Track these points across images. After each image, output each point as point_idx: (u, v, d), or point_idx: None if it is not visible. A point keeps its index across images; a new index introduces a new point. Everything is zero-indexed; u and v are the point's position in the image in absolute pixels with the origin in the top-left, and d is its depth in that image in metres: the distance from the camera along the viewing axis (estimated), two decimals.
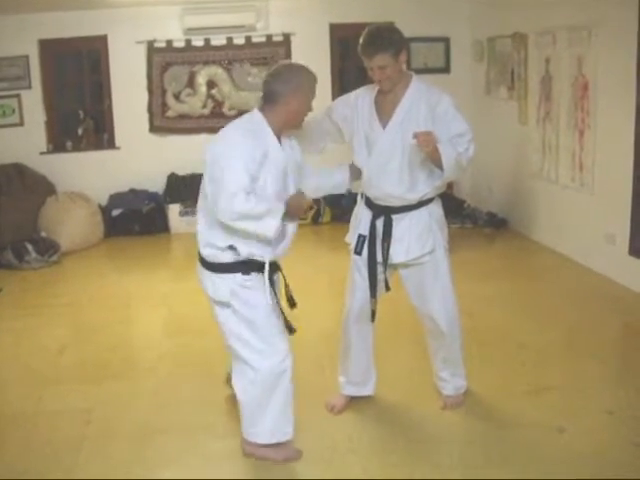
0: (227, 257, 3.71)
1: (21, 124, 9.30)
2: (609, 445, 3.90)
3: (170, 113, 9.58)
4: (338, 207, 9.29)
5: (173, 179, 9.51)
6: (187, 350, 5.47)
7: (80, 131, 9.58)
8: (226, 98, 9.61)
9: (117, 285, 7.32)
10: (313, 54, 9.64)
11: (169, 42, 9.38)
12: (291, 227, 3.90)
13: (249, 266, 3.75)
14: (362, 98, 4.16)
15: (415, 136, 3.71)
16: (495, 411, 4.37)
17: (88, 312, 6.48)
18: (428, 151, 3.73)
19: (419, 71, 9.88)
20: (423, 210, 4.10)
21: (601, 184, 6.82)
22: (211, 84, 9.57)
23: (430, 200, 4.12)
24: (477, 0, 9.42)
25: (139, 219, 9.26)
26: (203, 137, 9.56)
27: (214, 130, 10.22)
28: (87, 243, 8.72)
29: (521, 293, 6.51)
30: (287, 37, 9.59)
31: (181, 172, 9.52)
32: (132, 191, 9.47)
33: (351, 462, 3.87)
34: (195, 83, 9.56)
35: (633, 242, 6.31)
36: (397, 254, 4.14)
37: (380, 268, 4.24)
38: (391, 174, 4.02)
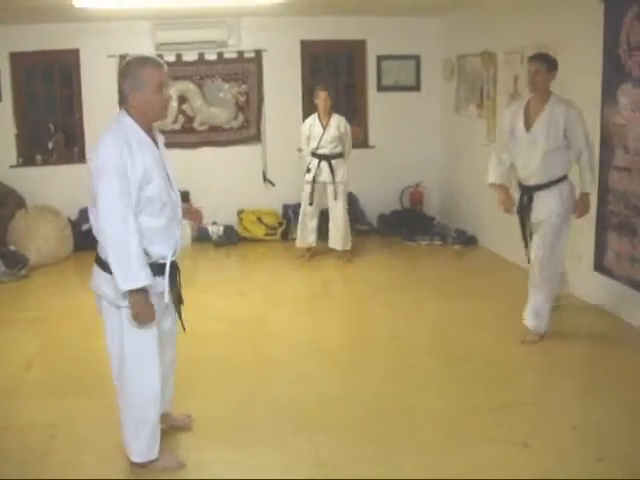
0: None
1: None
2: (572, 460, 3.95)
3: None
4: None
5: None
6: None
7: (50, 145, 9.54)
8: (197, 113, 9.62)
9: (86, 299, 7.16)
10: (284, 70, 9.72)
11: None
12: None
13: (154, 269, 3.63)
14: (514, 108, 5.85)
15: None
16: (461, 426, 4.40)
17: (56, 326, 6.43)
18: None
19: (389, 88, 10.09)
20: (557, 187, 5.57)
21: None
22: (182, 99, 9.58)
23: (561, 180, 5.58)
24: (447, 19, 9.53)
25: None
26: (174, 152, 9.54)
27: (185, 145, 10.29)
28: (56, 257, 8.67)
29: (489, 310, 6.57)
30: (259, 53, 9.64)
31: None
32: None
33: (318, 475, 3.89)
34: None
35: (598, 258, 6.41)
36: (535, 217, 5.68)
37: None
38: (531, 161, 5.58)
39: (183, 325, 4.00)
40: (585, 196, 5.65)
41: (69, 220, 9.15)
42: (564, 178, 5.58)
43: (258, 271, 8.33)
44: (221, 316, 6.53)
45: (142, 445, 3.88)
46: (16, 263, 7.98)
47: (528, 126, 5.55)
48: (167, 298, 3.73)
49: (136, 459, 3.92)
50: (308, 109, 9.84)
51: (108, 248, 3.47)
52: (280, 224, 9.72)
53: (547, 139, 5.45)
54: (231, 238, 9.51)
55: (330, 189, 8.29)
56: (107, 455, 4.12)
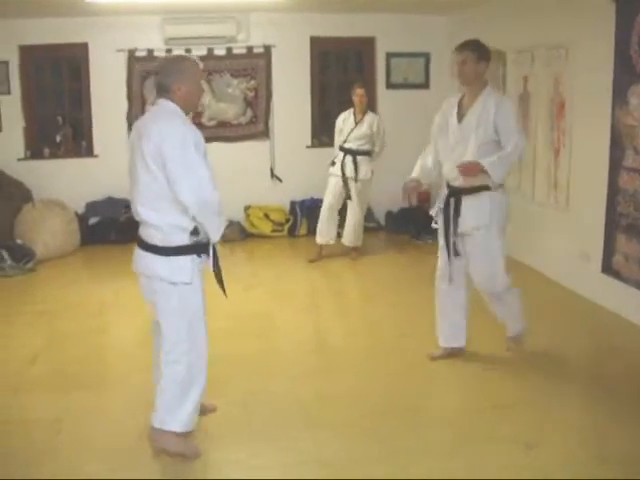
0: (188, 239, 3.89)
1: None
2: (576, 461, 3.92)
3: None
4: (314, 220, 9.28)
5: None
6: None
7: (58, 138, 9.54)
8: (206, 108, 9.59)
9: (92, 294, 7.29)
10: (293, 66, 9.70)
11: (150, 51, 9.36)
12: None
13: (200, 248, 3.95)
14: (449, 102, 5.22)
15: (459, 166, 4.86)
16: (466, 425, 4.39)
17: (62, 320, 6.43)
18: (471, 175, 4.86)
19: (398, 86, 10.07)
20: (488, 194, 4.96)
21: (576, 202, 6.88)
22: None
23: (495, 186, 4.95)
24: (457, 17, 9.49)
25: (116, 228, 9.22)
26: None
27: None
28: (63, 251, 8.69)
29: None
30: (268, 49, 9.62)
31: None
32: (109, 199, 9.44)
33: (323, 475, 3.88)
34: None
35: (606, 260, 6.38)
36: (461, 225, 5.07)
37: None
38: (461, 158, 4.94)
39: (225, 292, 4.24)
40: (479, 164, 4.81)
41: (76, 214, 9.16)
42: (499, 185, 5.01)
43: (264, 267, 8.33)
44: (227, 312, 6.50)
45: (185, 415, 4.06)
46: (23, 256, 7.99)
47: (460, 119, 5.04)
48: (213, 266, 4.06)
49: (178, 429, 4.05)
50: (317, 105, 9.85)
51: (200, 211, 3.78)
52: (287, 220, 9.71)
53: (477, 132, 4.89)
54: (238, 234, 9.50)
55: (352, 185, 8.29)
56: (112, 450, 4.12)
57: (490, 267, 5.13)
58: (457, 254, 5.17)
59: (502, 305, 5.35)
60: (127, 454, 4.08)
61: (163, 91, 3.92)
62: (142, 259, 3.99)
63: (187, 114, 3.98)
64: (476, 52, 4.94)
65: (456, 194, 5.08)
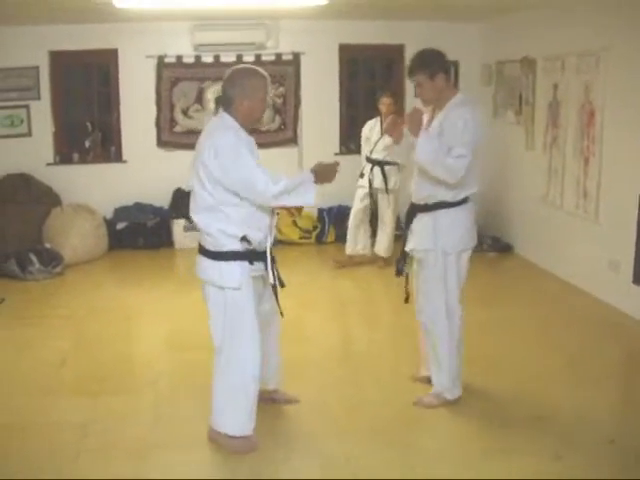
0: (238, 246, 4.02)
1: (29, 134, 9.30)
2: (608, 475, 3.87)
3: (178, 128, 9.60)
4: (342, 227, 9.24)
5: (179, 194, 9.49)
6: (188, 365, 5.45)
7: (87, 143, 9.59)
8: None
9: (120, 299, 7.31)
10: (322, 74, 9.69)
11: (179, 57, 9.40)
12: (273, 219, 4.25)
13: (254, 256, 4.09)
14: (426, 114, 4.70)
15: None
16: (493, 436, 4.34)
17: (90, 325, 6.46)
18: (409, 128, 4.50)
19: None
20: (432, 214, 4.57)
21: (606, 211, 6.82)
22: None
23: (439, 206, 4.55)
24: (487, 24, 9.46)
25: (144, 233, 9.26)
26: None
27: None
28: (91, 256, 8.72)
29: (523, 318, 6.49)
30: (297, 56, 9.62)
31: (187, 188, 9.52)
32: (137, 205, 9.48)
33: None
34: (204, 99, 9.58)
35: (637, 270, 6.30)
36: (407, 244, 4.76)
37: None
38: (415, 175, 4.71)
39: (281, 310, 4.34)
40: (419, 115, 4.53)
41: (104, 219, 9.20)
42: (446, 205, 4.56)
43: (292, 274, 8.20)
44: None
45: (237, 419, 4.15)
46: (51, 260, 8.03)
47: None
48: (272, 279, 4.17)
49: (230, 432, 4.16)
50: (345, 112, 9.84)
51: (280, 202, 4.09)
52: (315, 227, 9.69)
53: None
54: None
55: (382, 196, 8.25)
56: (140, 454, 4.13)
57: (425, 296, 4.77)
58: (399, 273, 4.89)
59: (431, 349, 4.81)
60: (152, 460, 4.08)
61: (225, 103, 4.07)
62: (199, 263, 4.15)
63: (246, 129, 4.10)
64: (427, 70, 4.46)
65: (412, 209, 4.75)
